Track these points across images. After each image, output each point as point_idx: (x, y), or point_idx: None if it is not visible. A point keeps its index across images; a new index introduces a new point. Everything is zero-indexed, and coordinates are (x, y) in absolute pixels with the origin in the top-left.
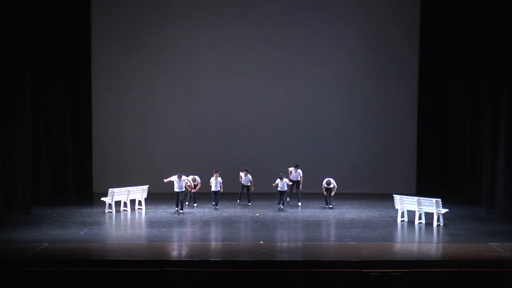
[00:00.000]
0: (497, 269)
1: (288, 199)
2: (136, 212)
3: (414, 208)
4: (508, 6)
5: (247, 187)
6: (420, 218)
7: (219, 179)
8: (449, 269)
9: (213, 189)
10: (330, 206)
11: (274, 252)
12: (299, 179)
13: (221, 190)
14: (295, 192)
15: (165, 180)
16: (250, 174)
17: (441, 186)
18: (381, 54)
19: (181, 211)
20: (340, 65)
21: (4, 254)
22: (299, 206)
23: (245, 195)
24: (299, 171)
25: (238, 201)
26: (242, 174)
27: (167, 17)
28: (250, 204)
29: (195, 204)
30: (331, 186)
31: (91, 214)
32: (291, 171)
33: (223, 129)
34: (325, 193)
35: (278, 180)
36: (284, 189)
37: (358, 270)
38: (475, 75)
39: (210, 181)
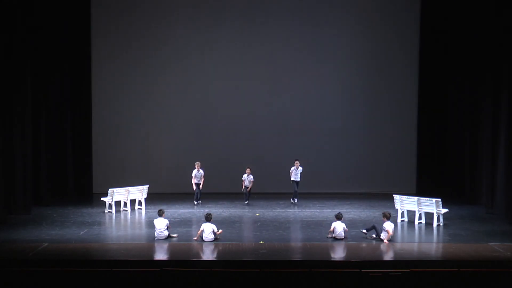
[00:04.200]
0: (497, 269)
1: (296, 200)
2: (136, 212)
3: (414, 208)
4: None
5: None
6: (420, 218)
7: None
8: (449, 269)
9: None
10: None
11: (274, 252)
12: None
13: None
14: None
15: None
16: (252, 175)
17: (441, 186)
18: (382, 54)
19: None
20: (340, 65)
21: (4, 254)
22: (295, 203)
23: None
24: (300, 168)
25: (246, 201)
26: (245, 175)
27: (167, 17)
28: (246, 202)
29: (198, 201)
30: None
31: (91, 214)
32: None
33: (224, 128)
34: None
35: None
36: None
37: (358, 270)
38: (475, 75)
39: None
